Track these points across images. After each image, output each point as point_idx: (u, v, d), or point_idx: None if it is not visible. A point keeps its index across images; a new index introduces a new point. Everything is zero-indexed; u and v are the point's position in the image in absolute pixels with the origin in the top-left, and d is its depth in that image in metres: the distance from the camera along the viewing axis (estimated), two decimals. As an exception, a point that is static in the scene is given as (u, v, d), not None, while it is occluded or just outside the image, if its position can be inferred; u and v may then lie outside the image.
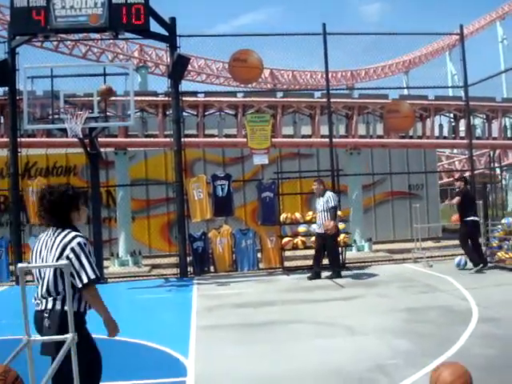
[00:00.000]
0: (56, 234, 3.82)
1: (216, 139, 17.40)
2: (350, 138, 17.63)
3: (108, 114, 12.45)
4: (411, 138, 18.43)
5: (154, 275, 13.87)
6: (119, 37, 13.52)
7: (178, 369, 5.82)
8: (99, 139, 13.03)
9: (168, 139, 14.08)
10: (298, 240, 12.99)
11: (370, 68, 36.20)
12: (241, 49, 14.05)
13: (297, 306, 9.08)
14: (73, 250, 3.69)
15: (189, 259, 12.90)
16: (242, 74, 14.43)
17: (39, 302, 3.75)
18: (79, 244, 3.72)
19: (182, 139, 13.20)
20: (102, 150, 13.45)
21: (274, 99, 17.90)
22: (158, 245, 17.71)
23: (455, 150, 31.81)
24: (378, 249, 16.56)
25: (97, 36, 21.87)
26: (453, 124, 19.20)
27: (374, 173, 18.28)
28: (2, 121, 16.31)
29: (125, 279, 13.17)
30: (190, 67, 20.82)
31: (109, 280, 12.64)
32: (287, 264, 13.45)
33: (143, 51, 30.70)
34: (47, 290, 3.74)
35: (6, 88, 13.23)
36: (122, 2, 12.14)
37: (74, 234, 3.77)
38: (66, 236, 3.76)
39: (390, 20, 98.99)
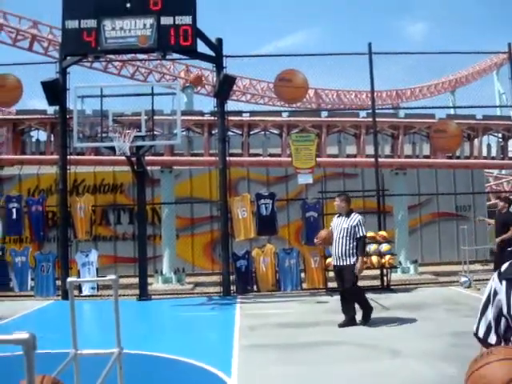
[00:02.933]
0: None
1: (260, 158, 17.47)
2: (396, 158, 17.46)
3: (155, 132, 12.64)
4: (458, 158, 18.14)
5: (197, 293, 13.92)
6: (166, 57, 13.79)
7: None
8: (146, 157, 13.25)
9: (213, 158, 14.21)
10: (342, 260, 12.85)
11: (415, 87, 35.86)
12: (286, 68, 14.13)
13: (340, 327, 8.96)
14: None
15: (232, 278, 12.91)
16: (287, 94, 14.50)
17: None
18: None
19: (227, 158, 13.30)
20: (148, 168, 13.65)
21: (318, 119, 17.90)
22: (201, 263, 17.79)
23: (503, 171, 31.11)
24: (424, 271, 16.25)
25: (144, 57, 22.33)
26: (501, 144, 18.82)
27: (419, 193, 18.01)
28: (52, 139, 16.76)
29: (168, 296, 13.26)
30: (235, 87, 21.01)
31: (152, 297, 12.75)
32: (331, 285, 13.31)
33: (189, 71, 31.14)
34: None
35: (57, 107, 13.60)
36: (171, 23, 12.37)
37: None
38: None
39: (435, 40, 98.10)
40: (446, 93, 36.73)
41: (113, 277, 3.63)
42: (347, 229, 8.96)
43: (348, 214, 9.20)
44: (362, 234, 8.97)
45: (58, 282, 12.91)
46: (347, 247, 8.92)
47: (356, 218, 9.11)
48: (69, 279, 3.47)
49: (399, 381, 5.89)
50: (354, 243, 8.95)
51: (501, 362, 1.80)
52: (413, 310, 10.23)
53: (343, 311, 9.09)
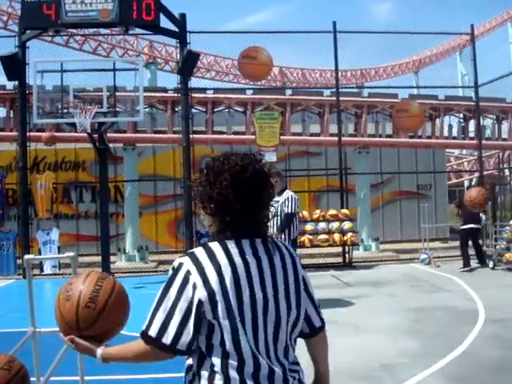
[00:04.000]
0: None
1: (224, 136, 17.41)
2: (359, 137, 17.59)
3: (117, 109, 12.46)
4: (420, 137, 18.37)
5: (160, 271, 13.88)
6: (129, 32, 13.57)
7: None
8: (108, 134, 13.07)
9: (177, 135, 14.11)
10: (305, 238, 12.97)
11: (379, 67, 36.04)
12: (250, 46, 14.04)
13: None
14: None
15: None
16: (251, 71, 14.45)
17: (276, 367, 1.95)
18: None
19: (191, 135, 13.22)
20: (110, 145, 13.46)
21: (283, 97, 17.89)
22: (165, 241, 17.72)
23: (464, 151, 31.61)
24: (385, 248, 16.51)
25: (107, 31, 21.93)
26: (462, 124, 19.12)
27: (382, 172, 18.22)
28: (12, 115, 16.39)
29: (131, 274, 13.20)
30: (199, 64, 20.83)
31: (115, 275, 12.66)
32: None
33: (153, 47, 30.69)
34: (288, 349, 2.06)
35: (16, 82, 13.28)
36: (133, -3, 12.15)
37: None
38: None
39: (399, 20, 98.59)
40: (410, 73, 37.04)
41: (71, 254, 3.59)
42: (278, 206, 7.71)
43: (281, 192, 7.91)
44: (288, 211, 7.77)
45: (19, 261, 12.73)
46: (273, 228, 7.59)
47: (287, 195, 7.94)
48: (26, 256, 3.42)
49: (361, 354, 6.00)
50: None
51: None
52: (374, 287, 10.40)
53: None
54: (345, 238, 13.09)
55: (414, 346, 6.28)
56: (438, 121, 18.69)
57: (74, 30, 16.31)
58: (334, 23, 14.06)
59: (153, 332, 1.92)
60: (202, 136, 16.16)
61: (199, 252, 1.95)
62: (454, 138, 19.17)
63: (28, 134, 13.07)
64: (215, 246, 1.96)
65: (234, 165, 2.02)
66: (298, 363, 2.08)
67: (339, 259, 13.74)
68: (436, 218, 18.29)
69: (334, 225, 13.13)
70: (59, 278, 12.34)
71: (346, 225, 13.15)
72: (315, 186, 17.69)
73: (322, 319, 2.39)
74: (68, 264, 12.46)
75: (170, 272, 1.96)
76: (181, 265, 1.93)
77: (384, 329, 7.11)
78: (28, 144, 13.07)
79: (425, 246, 13.77)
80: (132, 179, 15.61)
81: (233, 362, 1.89)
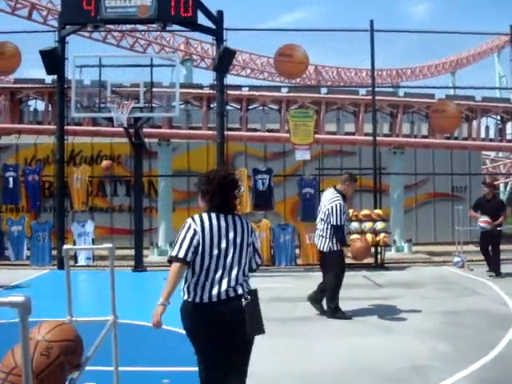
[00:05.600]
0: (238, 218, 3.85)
1: (259, 133, 17.44)
2: (394, 137, 17.43)
3: (153, 104, 12.59)
4: (456, 139, 18.12)
5: (192, 266, 13.96)
6: (166, 29, 13.68)
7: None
8: (144, 129, 13.21)
9: (211, 132, 14.19)
10: (337, 237, 12.90)
11: (416, 67, 35.65)
12: (287, 43, 14.03)
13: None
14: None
15: (227, 252, 12.94)
16: (287, 69, 14.44)
17: (232, 287, 3.65)
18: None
19: (225, 132, 13.27)
20: (146, 140, 13.62)
21: (318, 95, 17.82)
22: (197, 236, 17.80)
23: (501, 154, 31.10)
24: (418, 250, 16.34)
25: (144, 28, 22.13)
26: (499, 126, 18.79)
27: (416, 173, 18.03)
28: (50, 108, 16.68)
29: (163, 268, 13.30)
30: (234, 61, 20.88)
31: (148, 268, 12.80)
32: (325, 261, 13.38)
33: (189, 44, 30.88)
34: (243, 273, 3.75)
35: (55, 76, 13.50)
36: (171, -6, 12.25)
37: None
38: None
39: (435, 21, 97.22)
40: (447, 73, 36.53)
41: (109, 245, 3.65)
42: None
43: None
44: (334, 223, 7.78)
45: (54, 252, 12.97)
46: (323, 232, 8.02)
47: (333, 202, 7.85)
48: (65, 246, 3.49)
49: (391, 355, 5.97)
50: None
51: None
52: (405, 288, 10.32)
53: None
54: (377, 238, 13.00)
55: (445, 349, 6.22)
56: (474, 122, 18.41)
57: (112, 26, 16.50)
58: (372, 22, 13.95)
59: (174, 252, 3.67)
60: (236, 133, 16.22)
61: (196, 217, 3.75)
62: (491, 140, 18.84)
63: (66, 127, 13.28)
64: (204, 215, 3.76)
65: (219, 175, 3.80)
66: (247, 279, 3.80)
67: (371, 260, 13.64)
68: (470, 221, 18.00)
69: (367, 225, 13.04)
70: (93, 270, 12.55)
71: (379, 225, 13.05)
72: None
73: (258, 263, 4.01)
74: (101, 256, 12.67)
75: (185, 224, 3.73)
76: (187, 221, 3.74)
77: (415, 331, 7.06)
78: (65, 137, 13.29)
79: (458, 249, 13.59)
80: (166, 174, 15.75)
81: (204, 275, 3.66)
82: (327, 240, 7.88)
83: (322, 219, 7.93)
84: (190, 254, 3.60)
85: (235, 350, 3.69)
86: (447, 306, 8.58)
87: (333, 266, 7.99)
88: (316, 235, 8.16)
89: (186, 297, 3.72)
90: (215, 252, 3.63)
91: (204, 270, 3.64)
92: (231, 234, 3.70)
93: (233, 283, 3.65)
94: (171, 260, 3.66)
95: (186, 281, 3.74)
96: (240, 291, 3.67)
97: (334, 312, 7.86)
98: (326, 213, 7.83)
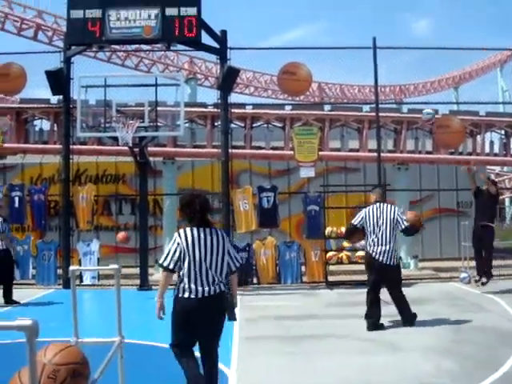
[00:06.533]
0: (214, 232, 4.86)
1: (263, 151, 17.49)
2: (398, 153, 17.46)
3: (158, 123, 12.65)
4: (461, 154, 18.14)
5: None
6: (171, 49, 13.79)
7: (220, 378, 5.83)
8: (148, 148, 13.26)
9: (216, 150, 14.23)
10: (343, 255, 12.90)
11: (419, 83, 35.82)
12: (290, 61, 14.11)
13: (340, 320, 9.01)
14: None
15: (232, 270, 12.91)
16: (290, 87, 14.50)
17: (216, 284, 4.71)
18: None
19: (230, 150, 13.31)
20: (150, 159, 13.66)
21: (321, 112, 17.91)
22: (202, 254, 17.79)
23: (505, 168, 31.11)
24: (424, 266, 16.27)
25: (149, 48, 22.33)
26: (504, 141, 18.81)
27: (421, 189, 18.01)
28: (56, 128, 16.78)
29: (168, 287, 13.27)
30: (238, 79, 21.01)
31: (153, 287, 12.76)
32: (331, 278, 13.35)
33: (193, 63, 31.13)
34: (221, 275, 4.77)
35: (61, 96, 13.60)
36: (175, 14, 12.36)
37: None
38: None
39: (438, 36, 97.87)
40: (450, 89, 36.67)
41: (115, 266, 3.65)
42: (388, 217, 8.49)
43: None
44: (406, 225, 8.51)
45: (59, 271, 12.97)
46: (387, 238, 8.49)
47: (391, 208, 8.60)
48: (71, 267, 3.50)
49: (397, 373, 5.93)
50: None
51: None
52: (412, 305, 10.19)
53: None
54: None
55: (452, 366, 6.17)
56: (478, 137, 18.44)
57: (117, 46, 16.63)
58: (374, 39, 14.02)
59: (161, 261, 4.73)
60: (240, 151, 16.29)
61: (181, 231, 4.74)
62: (496, 154, 18.87)
63: (71, 147, 13.34)
64: (187, 229, 4.73)
65: (199, 198, 4.89)
66: (226, 282, 4.80)
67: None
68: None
69: (372, 241, 12.99)
70: (98, 289, 12.54)
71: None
72: (353, 202, 17.52)
73: (236, 266, 4.92)
74: (107, 275, 12.66)
75: (173, 237, 4.75)
76: (175, 235, 4.75)
77: (422, 348, 7.01)
78: (71, 157, 13.35)
79: (465, 265, 13.52)
80: (171, 193, 15.78)
81: (187, 277, 4.64)
82: (395, 253, 8.36)
83: (389, 233, 8.25)
84: (172, 264, 4.66)
85: (209, 332, 4.80)
86: (454, 323, 8.52)
87: (400, 280, 8.62)
88: (379, 252, 8.29)
89: (176, 293, 4.73)
90: (197, 258, 4.64)
91: (190, 272, 4.63)
92: (209, 244, 4.71)
93: (214, 283, 4.68)
94: (160, 266, 4.85)
95: (178, 280, 4.76)
96: (219, 290, 4.70)
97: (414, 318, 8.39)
98: (395, 221, 8.29)
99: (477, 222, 11.59)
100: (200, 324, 4.65)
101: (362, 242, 11.21)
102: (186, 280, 4.62)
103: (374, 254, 8.35)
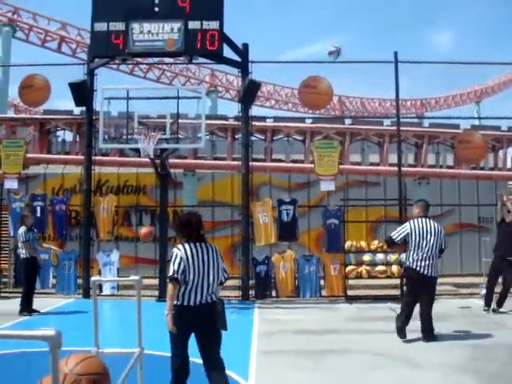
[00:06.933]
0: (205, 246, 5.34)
1: (283, 164, 17.51)
2: (419, 168, 17.38)
3: (179, 136, 12.74)
4: (482, 169, 18.01)
5: (215, 296, 13.94)
6: (193, 62, 13.90)
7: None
8: (169, 160, 13.35)
9: (236, 162, 14.28)
10: (363, 269, 12.82)
11: (440, 97, 35.66)
12: (311, 75, 14.15)
13: (358, 335, 8.94)
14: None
15: (251, 282, 12.93)
16: (311, 100, 14.52)
17: (210, 294, 5.19)
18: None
19: (250, 163, 13.34)
20: (171, 170, 13.74)
21: (342, 126, 17.91)
22: (221, 266, 17.82)
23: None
24: (445, 282, 16.09)
25: (171, 60, 22.53)
26: (527, 156, 18.66)
27: (442, 204, 17.88)
28: (78, 139, 16.97)
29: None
30: (259, 93, 21.11)
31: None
32: (350, 293, 13.27)
33: (214, 76, 31.33)
34: (215, 285, 5.25)
35: (84, 108, 13.76)
36: (198, 28, 12.47)
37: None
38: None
39: (460, 49, 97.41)
40: (471, 103, 36.43)
41: (136, 277, 3.68)
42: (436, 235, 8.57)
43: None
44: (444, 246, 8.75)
45: (79, 281, 13.06)
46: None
47: (439, 227, 8.65)
48: (92, 278, 3.53)
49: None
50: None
51: None
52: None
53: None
54: (403, 270, 12.85)
55: (469, 383, 6.09)
56: (500, 152, 18.29)
57: (139, 59, 16.80)
58: (396, 53, 14.01)
59: (171, 273, 5.08)
60: (261, 164, 16.33)
61: (180, 246, 5.20)
62: (518, 170, 18.71)
63: (93, 157, 13.48)
64: (185, 244, 5.22)
65: (195, 217, 5.43)
66: (217, 290, 5.32)
67: (397, 291, 13.49)
68: (498, 253, 17.72)
69: (393, 256, 12.91)
70: (117, 299, 12.60)
71: (405, 257, 12.89)
72: (373, 216, 17.51)
73: (225, 277, 5.43)
74: (126, 286, 12.71)
75: (174, 253, 5.18)
76: (174, 251, 5.20)
77: (440, 365, 6.93)
78: (92, 168, 13.48)
79: (485, 281, 13.36)
80: (191, 204, 15.84)
81: (188, 286, 5.07)
82: (437, 266, 8.56)
83: (434, 248, 8.39)
84: (178, 275, 5.07)
85: (207, 337, 5.21)
86: (474, 340, 8.41)
87: (435, 291, 8.75)
88: (428, 265, 8.37)
89: (175, 301, 5.11)
90: (195, 271, 5.12)
91: (188, 284, 5.09)
92: (205, 257, 5.21)
93: (208, 293, 5.17)
94: (169, 279, 5.17)
95: (179, 291, 5.15)
96: (212, 299, 5.19)
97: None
98: (443, 239, 8.51)
99: (497, 253, 11.26)
100: (198, 330, 5.15)
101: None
102: (187, 291, 5.10)
103: (420, 268, 8.36)
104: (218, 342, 5.27)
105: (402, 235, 8.57)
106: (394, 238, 8.67)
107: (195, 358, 5.28)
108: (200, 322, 5.12)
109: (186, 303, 5.09)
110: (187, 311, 5.10)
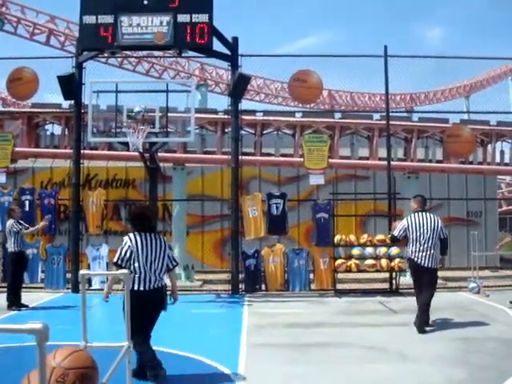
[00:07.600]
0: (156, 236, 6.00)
1: (273, 158, 17.50)
2: (409, 162, 17.41)
3: (169, 129, 12.69)
4: (471, 163, 18.07)
5: (205, 290, 13.97)
6: (182, 55, 13.83)
7: (227, 385, 5.85)
8: (159, 154, 13.29)
9: (225, 156, 14.24)
10: (352, 263, 12.85)
11: (429, 91, 35.68)
12: (301, 69, 14.13)
13: (348, 328, 8.98)
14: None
15: (241, 276, 12.94)
16: (301, 94, 14.51)
17: (158, 280, 5.85)
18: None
19: (240, 157, 13.32)
20: (160, 164, 13.69)
21: (332, 120, 17.89)
22: (210, 260, 17.85)
23: (517, 178, 30.93)
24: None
25: (160, 54, 22.42)
26: (515, 150, 18.74)
27: (431, 198, 17.93)
28: (67, 133, 16.87)
29: (178, 293, 13.27)
30: (249, 86, 21.04)
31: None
32: (339, 286, 13.32)
33: (204, 69, 31.19)
34: (162, 272, 5.92)
35: (72, 101, 13.67)
36: (187, 21, 12.41)
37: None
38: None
39: (450, 45, 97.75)
40: (461, 98, 36.53)
41: (125, 271, 3.67)
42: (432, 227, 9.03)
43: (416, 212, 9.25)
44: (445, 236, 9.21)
45: (68, 275, 13.01)
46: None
47: (435, 218, 9.15)
48: (81, 272, 3.52)
49: (406, 383, 5.90)
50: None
51: None
52: (421, 315, 10.18)
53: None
54: (392, 263, 12.92)
55: (462, 376, 6.13)
56: (489, 146, 18.35)
57: (128, 52, 16.70)
58: (385, 47, 14.02)
59: (115, 259, 5.82)
60: (250, 158, 16.29)
61: (131, 235, 5.85)
62: (506, 164, 18.77)
63: (82, 151, 13.40)
64: (136, 233, 5.87)
65: (149, 211, 6.39)
66: (164, 276, 5.98)
67: (386, 285, 13.56)
68: (486, 246, 17.86)
69: (382, 250, 12.96)
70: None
71: (394, 250, 12.96)
72: (362, 210, 17.57)
73: (173, 264, 6.08)
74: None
75: (124, 240, 5.84)
76: (125, 239, 5.85)
77: (431, 358, 6.96)
78: (81, 161, 13.41)
79: (474, 275, 13.46)
80: (180, 198, 15.81)
81: (138, 273, 5.75)
82: (437, 257, 8.84)
83: (432, 240, 8.78)
84: (122, 262, 5.76)
85: (155, 318, 5.86)
86: (464, 333, 8.47)
87: (436, 282, 9.03)
88: (425, 256, 8.74)
89: (131, 287, 5.37)
90: (143, 258, 5.75)
91: (138, 270, 5.73)
92: (153, 246, 5.84)
93: (157, 278, 5.81)
94: (113, 263, 5.85)
95: (131, 277, 5.56)
96: (161, 284, 5.86)
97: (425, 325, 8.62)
98: (440, 230, 8.91)
99: None
100: (151, 311, 5.75)
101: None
102: (137, 276, 5.70)
103: (418, 259, 8.78)
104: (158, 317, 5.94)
105: (401, 230, 9.06)
106: (395, 234, 9.21)
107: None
108: (153, 305, 5.74)
109: (136, 288, 5.65)
110: (141, 295, 5.58)
